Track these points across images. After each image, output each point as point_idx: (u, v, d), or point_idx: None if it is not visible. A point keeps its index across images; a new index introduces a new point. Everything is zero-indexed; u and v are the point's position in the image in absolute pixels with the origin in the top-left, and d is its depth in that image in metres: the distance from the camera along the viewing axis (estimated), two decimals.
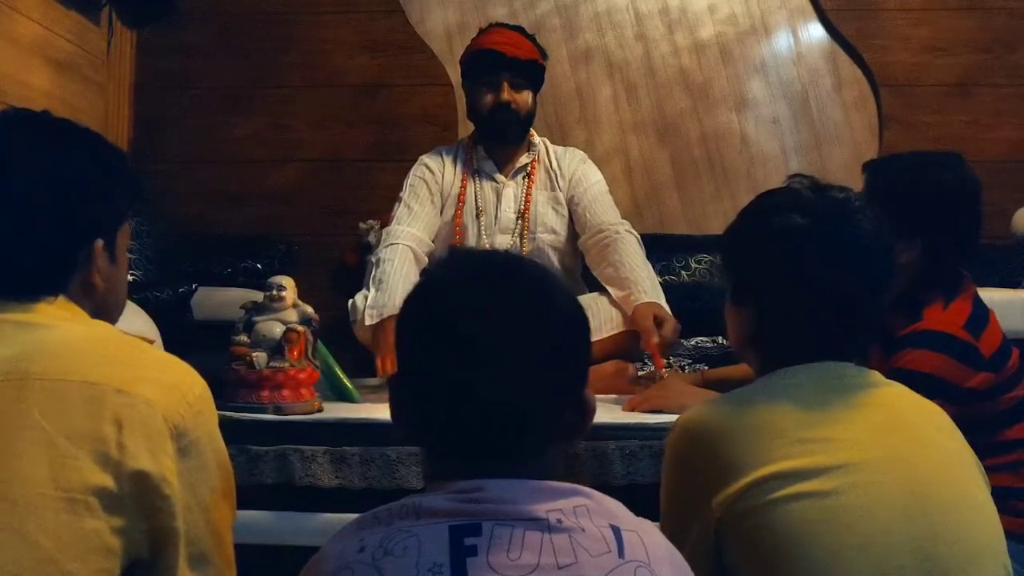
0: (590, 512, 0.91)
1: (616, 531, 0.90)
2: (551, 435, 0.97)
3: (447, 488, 0.92)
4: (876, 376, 1.26)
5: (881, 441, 1.16)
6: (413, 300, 0.99)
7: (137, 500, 1.01)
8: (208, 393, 1.12)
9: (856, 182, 2.06)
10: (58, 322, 1.10)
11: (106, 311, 1.20)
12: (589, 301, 2.36)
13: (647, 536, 0.92)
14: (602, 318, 2.32)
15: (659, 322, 2.20)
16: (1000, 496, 1.68)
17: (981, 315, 1.73)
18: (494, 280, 0.97)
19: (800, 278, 1.25)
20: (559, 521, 0.89)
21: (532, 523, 0.88)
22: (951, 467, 1.20)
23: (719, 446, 1.16)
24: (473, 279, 0.97)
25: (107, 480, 0.99)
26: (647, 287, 2.34)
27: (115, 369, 1.06)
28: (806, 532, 1.09)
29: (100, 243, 1.16)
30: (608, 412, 1.92)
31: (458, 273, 0.99)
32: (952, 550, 1.12)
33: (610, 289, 2.40)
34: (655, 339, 2.17)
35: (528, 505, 0.89)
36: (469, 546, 0.86)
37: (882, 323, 1.52)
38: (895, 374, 1.50)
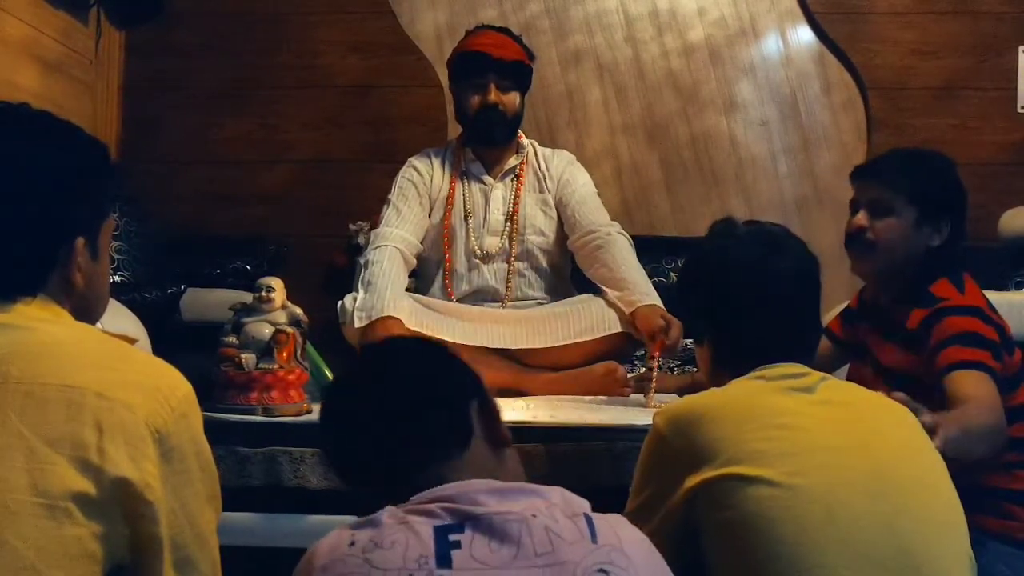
0: (561, 506, 1.01)
1: (588, 519, 1.00)
2: (460, 440, 1.08)
3: (421, 499, 1.00)
4: (829, 378, 1.37)
5: (843, 430, 1.27)
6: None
7: (119, 506, 0.99)
8: (192, 395, 1.10)
9: (843, 184, 2.07)
10: (37, 323, 1.07)
11: (87, 310, 1.16)
12: (583, 302, 2.37)
13: (617, 524, 1.03)
14: (595, 319, 2.33)
15: (664, 326, 2.18)
16: (991, 496, 1.70)
17: (991, 305, 1.81)
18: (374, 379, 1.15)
19: (749, 296, 1.38)
20: (534, 516, 0.98)
21: (510, 518, 0.97)
22: (911, 455, 1.29)
23: (697, 430, 1.26)
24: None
25: (87, 486, 0.98)
26: (646, 289, 2.34)
27: (95, 372, 1.03)
28: (772, 508, 1.18)
29: (81, 240, 1.12)
30: (596, 413, 1.92)
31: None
32: (917, 525, 1.20)
33: (605, 289, 2.40)
34: (665, 341, 2.14)
35: (505, 504, 0.99)
36: (453, 541, 0.96)
37: (819, 327, 1.61)
38: (939, 344, 1.67)
